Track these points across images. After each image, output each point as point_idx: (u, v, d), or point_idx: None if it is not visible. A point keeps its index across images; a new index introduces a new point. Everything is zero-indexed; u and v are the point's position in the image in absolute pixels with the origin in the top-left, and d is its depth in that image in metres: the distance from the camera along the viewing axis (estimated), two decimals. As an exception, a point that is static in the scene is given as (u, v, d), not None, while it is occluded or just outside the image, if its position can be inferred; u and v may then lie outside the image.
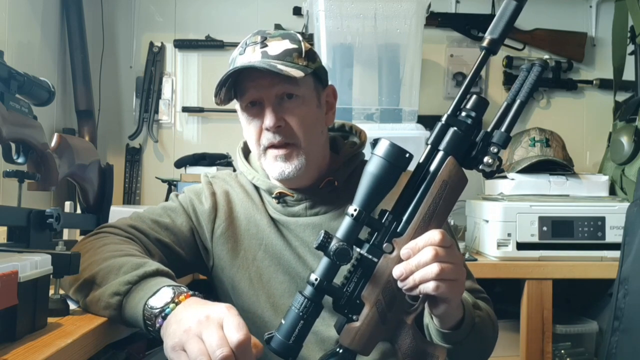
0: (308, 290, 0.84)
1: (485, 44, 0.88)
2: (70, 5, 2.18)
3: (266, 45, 1.10)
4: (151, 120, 2.39)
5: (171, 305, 0.83)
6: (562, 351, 1.95)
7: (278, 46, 1.10)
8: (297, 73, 1.06)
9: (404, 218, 0.87)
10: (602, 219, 1.90)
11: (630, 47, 2.20)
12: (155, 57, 2.40)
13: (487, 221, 1.95)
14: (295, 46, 1.10)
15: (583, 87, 2.52)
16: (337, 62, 2.10)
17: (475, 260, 1.89)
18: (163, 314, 0.83)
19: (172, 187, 2.13)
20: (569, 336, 1.96)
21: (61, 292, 0.93)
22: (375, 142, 0.85)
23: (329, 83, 1.20)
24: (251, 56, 1.10)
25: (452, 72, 2.48)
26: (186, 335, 0.77)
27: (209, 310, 0.79)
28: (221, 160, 2.16)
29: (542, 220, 1.89)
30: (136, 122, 2.39)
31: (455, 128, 0.87)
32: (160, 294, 0.85)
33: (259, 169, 1.19)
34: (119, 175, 2.34)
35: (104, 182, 1.30)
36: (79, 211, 1.32)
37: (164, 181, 2.16)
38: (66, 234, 1.42)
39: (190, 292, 0.86)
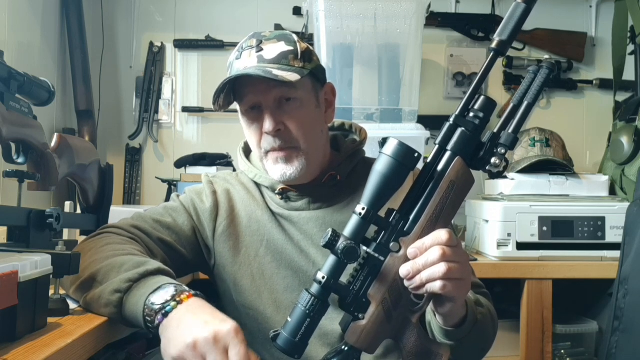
0: (315, 288, 0.84)
1: (494, 45, 0.88)
2: (70, 5, 2.18)
3: (262, 49, 1.10)
4: (151, 120, 2.38)
5: (172, 303, 0.83)
6: (562, 351, 1.95)
7: (273, 49, 1.10)
8: (293, 77, 1.06)
9: (411, 217, 0.87)
10: (602, 219, 1.90)
11: (630, 47, 2.20)
12: (155, 57, 2.40)
13: (487, 221, 1.95)
14: (290, 48, 1.11)
15: (583, 87, 2.52)
16: (337, 62, 2.10)
17: (475, 260, 1.89)
18: (163, 312, 0.83)
19: (172, 187, 2.13)
20: (569, 336, 1.96)
21: (61, 292, 0.93)
22: (384, 142, 0.85)
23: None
24: (247, 61, 1.10)
25: (452, 72, 2.48)
26: (190, 353, 0.77)
27: (216, 327, 0.78)
28: (221, 160, 2.16)
29: (542, 220, 1.88)
30: (136, 122, 2.39)
31: (463, 128, 0.87)
32: (162, 291, 0.86)
33: (261, 167, 1.20)
34: (119, 175, 2.34)
35: (104, 182, 1.30)
36: (79, 211, 1.32)
37: (164, 181, 2.16)
38: (66, 234, 1.41)
39: (193, 292, 0.86)
